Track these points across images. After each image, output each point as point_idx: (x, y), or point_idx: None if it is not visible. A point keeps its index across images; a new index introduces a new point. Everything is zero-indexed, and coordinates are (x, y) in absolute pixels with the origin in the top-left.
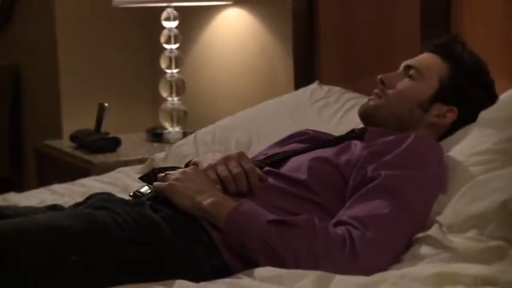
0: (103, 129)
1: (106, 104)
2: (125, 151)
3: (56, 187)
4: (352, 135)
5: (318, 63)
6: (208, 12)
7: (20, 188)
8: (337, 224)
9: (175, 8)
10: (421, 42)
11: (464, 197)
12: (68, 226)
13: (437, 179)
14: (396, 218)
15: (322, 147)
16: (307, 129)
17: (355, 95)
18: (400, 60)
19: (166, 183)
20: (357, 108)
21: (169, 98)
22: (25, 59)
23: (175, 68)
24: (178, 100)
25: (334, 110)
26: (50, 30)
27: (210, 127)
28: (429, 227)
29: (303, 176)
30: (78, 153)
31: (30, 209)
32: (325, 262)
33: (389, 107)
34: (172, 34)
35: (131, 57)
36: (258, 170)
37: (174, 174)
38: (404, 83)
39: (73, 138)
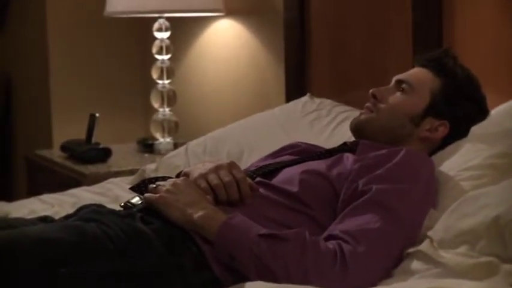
0: (94, 139)
1: (97, 115)
2: (115, 162)
3: (46, 197)
4: (344, 148)
5: (309, 75)
6: (200, 23)
7: (9, 197)
8: (328, 238)
9: (167, 18)
10: (413, 55)
11: (456, 212)
12: (58, 238)
13: (428, 193)
14: (387, 233)
15: (314, 159)
16: (298, 142)
17: (347, 108)
18: (392, 73)
19: (157, 195)
20: (348, 122)
21: (161, 109)
22: (16, 68)
23: (167, 78)
24: (170, 111)
25: (326, 122)
26: (41, 39)
27: (201, 138)
28: (420, 242)
29: (294, 188)
30: (69, 164)
31: (20, 221)
32: (316, 276)
33: (381, 121)
34: (164, 45)
35: (122, 68)
36: (249, 179)
37: (164, 185)
38: (396, 97)
39: (64, 148)
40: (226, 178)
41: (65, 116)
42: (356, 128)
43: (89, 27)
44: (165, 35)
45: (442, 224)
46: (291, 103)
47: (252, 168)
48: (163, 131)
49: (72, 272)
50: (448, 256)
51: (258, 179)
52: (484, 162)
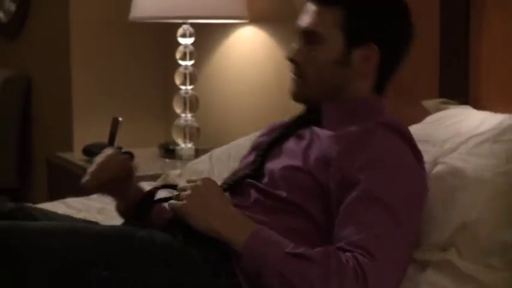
0: (116, 143)
1: (120, 119)
2: (137, 166)
3: (71, 201)
4: (309, 119)
5: None
6: (224, 30)
7: (28, 200)
8: (340, 249)
9: (192, 24)
10: (439, 68)
11: (483, 222)
12: (106, 236)
13: (419, 177)
14: (396, 234)
15: (283, 140)
16: (274, 123)
17: None
18: (418, 85)
19: (180, 203)
20: None
21: (183, 114)
22: (37, 70)
23: (190, 84)
24: (192, 117)
25: None
26: (63, 42)
27: (225, 147)
28: (444, 249)
29: (283, 193)
30: None
31: (69, 218)
32: None
33: (312, 81)
34: (187, 51)
35: (145, 72)
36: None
37: (186, 188)
38: (311, 51)
39: (86, 151)
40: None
41: (86, 119)
42: (296, 100)
43: (112, 31)
44: (189, 41)
45: (470, 234)
46: None
47: (242, 167)
48: (184, 137)
49: (112, 276)
50: (476, 268)
51: (248, 180)
52: None
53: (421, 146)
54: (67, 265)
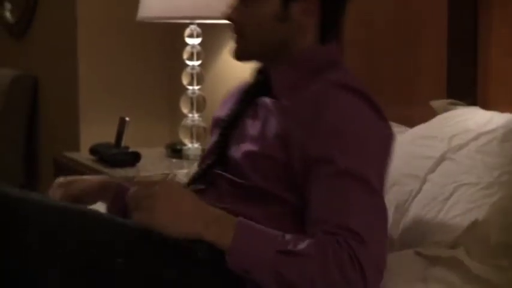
0: (123, 143)
1: (127, 119)
2: (144, 166)
3: None
4: (259, 86)
5: None
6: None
7: None
8: (327, 233)
9: (199, 25)
10: (446, 73)
11: (492, 222)
12: (122, 224)
13: (382, 135)
14: (373, 206)
15: (238, 122)
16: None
17: None
18: (425, 90)
19: (144, 216)
20: None
21: (190, 115)
22: (44, 70)
23: (197, 84)
24: (199, 117)
25: None
26: (70, 41)
27: None
28: (453, 247)
29: (251, 181)
30: (98, 167)
31: None
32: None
33: (252, 39)
34: (195, 51)
35: (152, 72)
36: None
37: (141, 196)
38: (248, 8)
39: (93, 151)
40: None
41: (93, 119)
42: (239, 59)
43: (119, 31)
44: (197, 41)
45: (478, 234)
46: None
47: (206, 159)
48: (191, 137)
49: (125, 264)
50: (484, 268)
51: (216, 171)
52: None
53: (428, 142)
54: (82, 245)
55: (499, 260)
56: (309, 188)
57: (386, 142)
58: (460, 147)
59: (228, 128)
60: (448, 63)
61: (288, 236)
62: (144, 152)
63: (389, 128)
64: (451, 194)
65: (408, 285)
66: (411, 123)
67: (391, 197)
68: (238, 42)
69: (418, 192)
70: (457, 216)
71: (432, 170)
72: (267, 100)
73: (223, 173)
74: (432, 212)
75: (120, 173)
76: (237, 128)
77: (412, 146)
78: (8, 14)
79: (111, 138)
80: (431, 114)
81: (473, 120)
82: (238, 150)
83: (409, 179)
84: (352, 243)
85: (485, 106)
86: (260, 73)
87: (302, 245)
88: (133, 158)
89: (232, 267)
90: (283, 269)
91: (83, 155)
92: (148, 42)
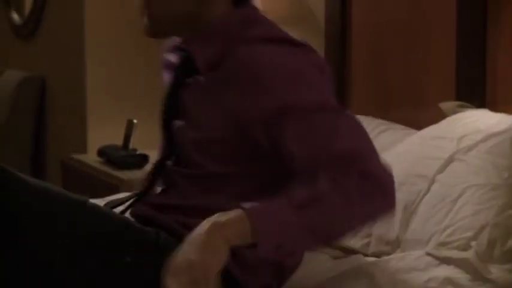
0: (131, 145)
1: (135, 121)
2: None
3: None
4: (183, 63)
5: (349, 91)
6: None
7: None
8: (324, 167)
9: None
10: (455, 73)
11: (503, 227)
12: (131, 224)
13: (317, 67)
14: (348, 125)
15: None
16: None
17: (387, 122)
18: (434, 91)
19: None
20: (389, 132)
21: None
22: (52, 71)
23: None
24: None
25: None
26: (78, 42)
27: None
28: (464, 249)
29: (211, 169)
30: (106, 169)
31: None
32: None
33: (161, 12)
34: None
35: (160, 74)
36: None
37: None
38: None
39: (101, 153)
40: None
41: (100, 121)
42: (150, 35)
43: (126, 32)
44: None
45: (489, 236)
46: None
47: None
48: None
49: (133, 264)
50: (496, 272)
51: (173, 168)
52: None
53: (437, 143)
54: (92, 239)
55: (508, 263)
56: (283, 143)
57: (323, 68)
58: (469, 148)
59: (168, 120)
60: (457, 65)
61: (291, 192)
62: (152, 154)
63: (318, 57)
64: (460, 195)
65: (418, 285)
66: (419, 125)
67: (400, 197)
68: (147, 16)
69: (427, 192)
70: (466, 218)
71: (441, 170)
72: (199, 79)
73: (178, 168)
74: (441, 213)
75: (128, 175)
76: (178, 117)
77: (421, 146)
78: (15, 16)
79: (119, 141)
80: (439, 116)
81: (483, 121)
82: (184, 139)
83: (418, 179)
84: (352, 164)
85: (494, 107)
86: (182, 50)
87: (312, 190)
88: (141, 160)
89: (266, 252)
90: (311, 221)
91: (91, 157)
92: (157, 44)
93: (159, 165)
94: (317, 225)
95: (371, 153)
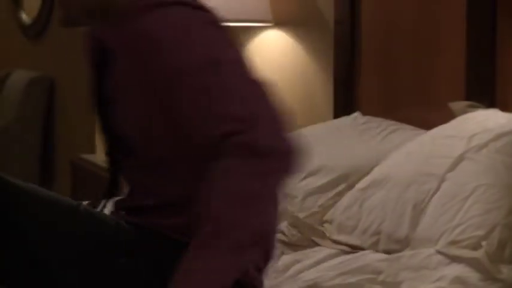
0: None
1: None
2: None
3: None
4: (96, 54)
5: (358, 91)
6: (248, 33)
7: None
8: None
9: None
10: (465, 73)
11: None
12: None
13: (211, 22)
14: (244, 84)
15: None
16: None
17: (396, 123)
18: (443, 91)
19: None
20: (398, 133)
21: None
22: (60, 71)
23: None
24: None
25: (376, 132)
26: None
27: None
28: (474, 248)
29: (159, 153)
30: None
31: None
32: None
33: (74, 2)
34: None
35: None
36: None
37: None
38: None
39: None
40: None
41: None
42: (66, 26)
43: None
44: None
45: (500, 236)
46: (341, 118)
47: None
48: None
49: (130, 264)
50: (506, 272)
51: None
52: None
53: (447, 141)
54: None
55: None
56: (178, 105)
57: (214, 22)
58: (480, 147)
59: (101, 110)
60: (466, 65)
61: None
62: None
63: (212, 13)
64: (470, 194)
65: (428, 283)
66: (429, 126)
67: (409, 196)
68: (60, 7)
69: (437, 190)
70: (476, 216)
71: (451, 169)
72: (114, 67)
73: (129, 160)
74: (451, 211)
75: None
76: (109, 103)
77: (431, 145)
78: (24, 16)
79: None
80: (449, 116)
81: (493, 120)
82: (124, 125)
83: (428, 177)
84: (240, 138)
85: (504, 107)
86: (95, 38)
87: (211, 210)
88: None
89: None
90: (233, 242)
91: (99, 158)
92: None
93: (111, 162)
94: (240, 239)
95: (262, 117)
